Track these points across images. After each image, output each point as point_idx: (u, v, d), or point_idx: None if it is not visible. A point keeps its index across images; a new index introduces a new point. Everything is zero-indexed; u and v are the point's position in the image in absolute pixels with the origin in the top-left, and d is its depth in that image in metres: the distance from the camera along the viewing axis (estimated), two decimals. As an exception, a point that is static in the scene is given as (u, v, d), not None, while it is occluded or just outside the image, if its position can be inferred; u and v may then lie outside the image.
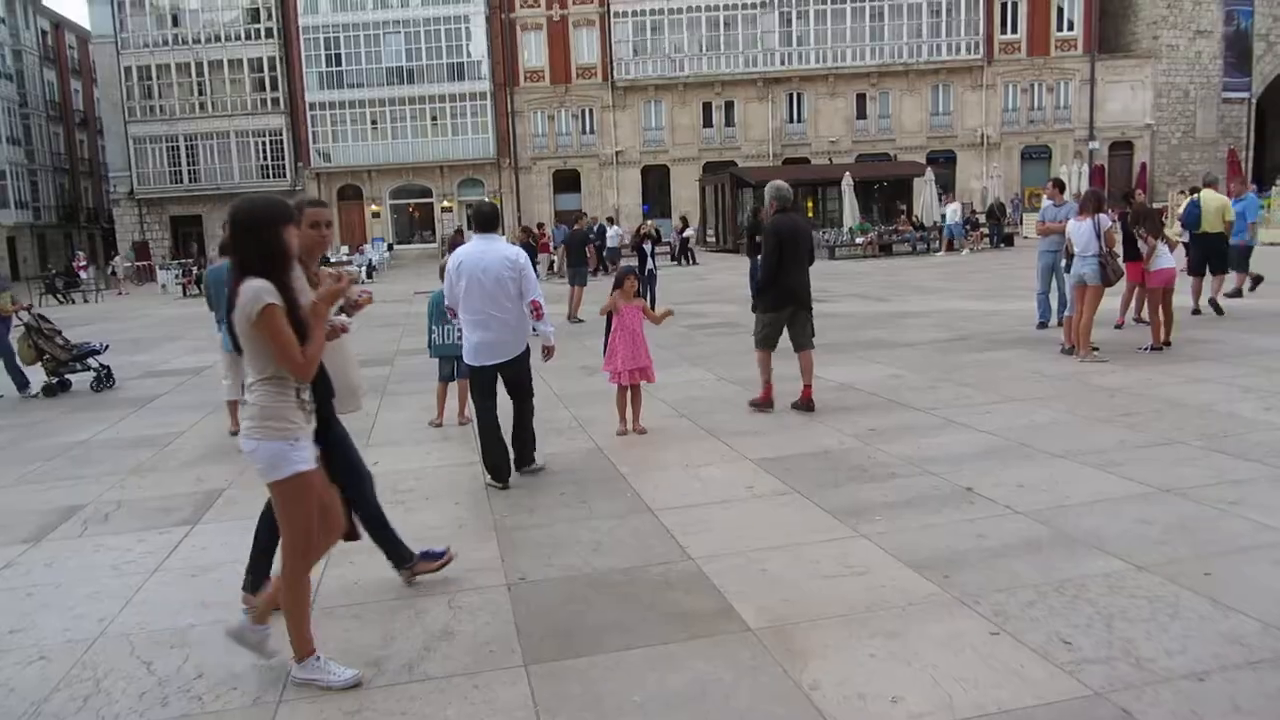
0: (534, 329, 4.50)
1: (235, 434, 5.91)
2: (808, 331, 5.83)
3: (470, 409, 5.80)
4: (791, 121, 34.09)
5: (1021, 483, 4.11)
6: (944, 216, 23.78)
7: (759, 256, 11.08)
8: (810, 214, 31.91)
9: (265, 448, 2.61)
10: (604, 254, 21.19)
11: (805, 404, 5.70)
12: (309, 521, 2.66)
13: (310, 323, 2.63)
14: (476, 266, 4.49)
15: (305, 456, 2.63)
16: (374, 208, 35.38)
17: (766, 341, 5.81)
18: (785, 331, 5.68)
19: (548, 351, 4.58)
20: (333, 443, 2.83)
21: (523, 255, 4.53)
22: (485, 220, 4.59)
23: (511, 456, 4.56)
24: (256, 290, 2.54)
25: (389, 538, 3.40)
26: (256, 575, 3.17)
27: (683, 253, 24.80)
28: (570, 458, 5.01)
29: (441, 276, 4.70)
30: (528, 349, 4.59)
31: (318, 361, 2.62)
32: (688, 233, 25.34)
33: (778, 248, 5.70)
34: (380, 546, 3.41)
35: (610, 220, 14.38)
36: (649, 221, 19.43)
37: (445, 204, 35.88)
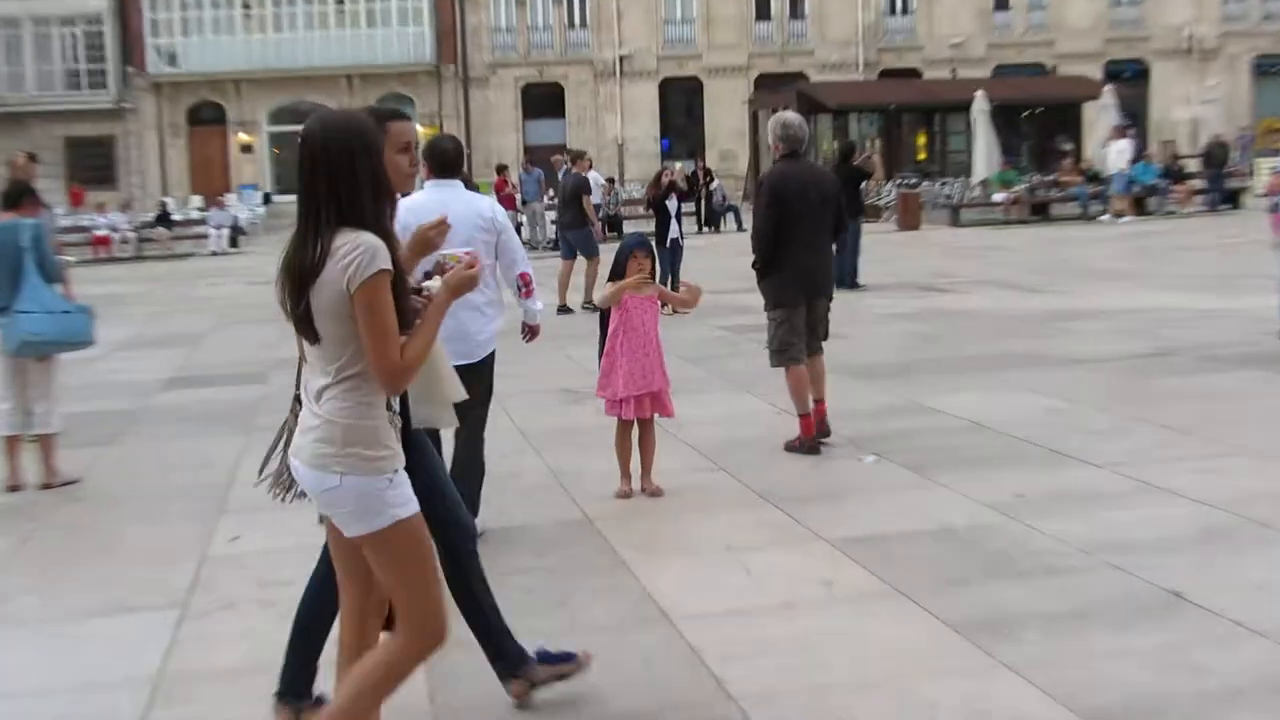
0: (523, 309, 5.02)
1: (14, 489, 6.16)
2: (821, 330, 6.51)
3: None
4: (893, 13, 33.94)
5: (1262, 584, 4.08)
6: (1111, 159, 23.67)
7: (849, 224, 11.22)
8: (921, 156, 32.27)
9: (353, 486, 2.56)
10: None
11: (818, 432, 6.31)
12: (429, 584, 2.65)
13: (418, 312, 2.63)
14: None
15: (408, 495, 2.62)
16: (243, 138, 35.58)
17: (788, 352, 6.35)
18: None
19: (532, 332, 5.14)
20: (413, 471, 2.71)
21: (500, 210, 4.82)
22: (446, 161, 4.75)
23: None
24: (374, 248, 2.50)
25: (491, 625, 3.28)
26: (297, 684, 3.16)
27: (706, 212, 25.27)
28: (541, 532, 5.16)
29: None
30: (492, 356, 4.85)
31: (418, 370, 2.60)
32: (716, 183, 25.75)
33: (777, 212, 6.18)
34: (478, 638, 3.29)
35: (573, 159, 13.98)
36: (677, 165, 19.40)
37: (355, 134, 36.23)
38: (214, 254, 24.66)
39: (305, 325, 2.60)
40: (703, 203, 25.70)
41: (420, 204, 4.83)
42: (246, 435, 7.32)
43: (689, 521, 5.17)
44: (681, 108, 35.55)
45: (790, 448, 6.31)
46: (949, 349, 9.64)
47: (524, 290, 4.95)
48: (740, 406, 7.66)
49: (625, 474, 5.63)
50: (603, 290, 5.58)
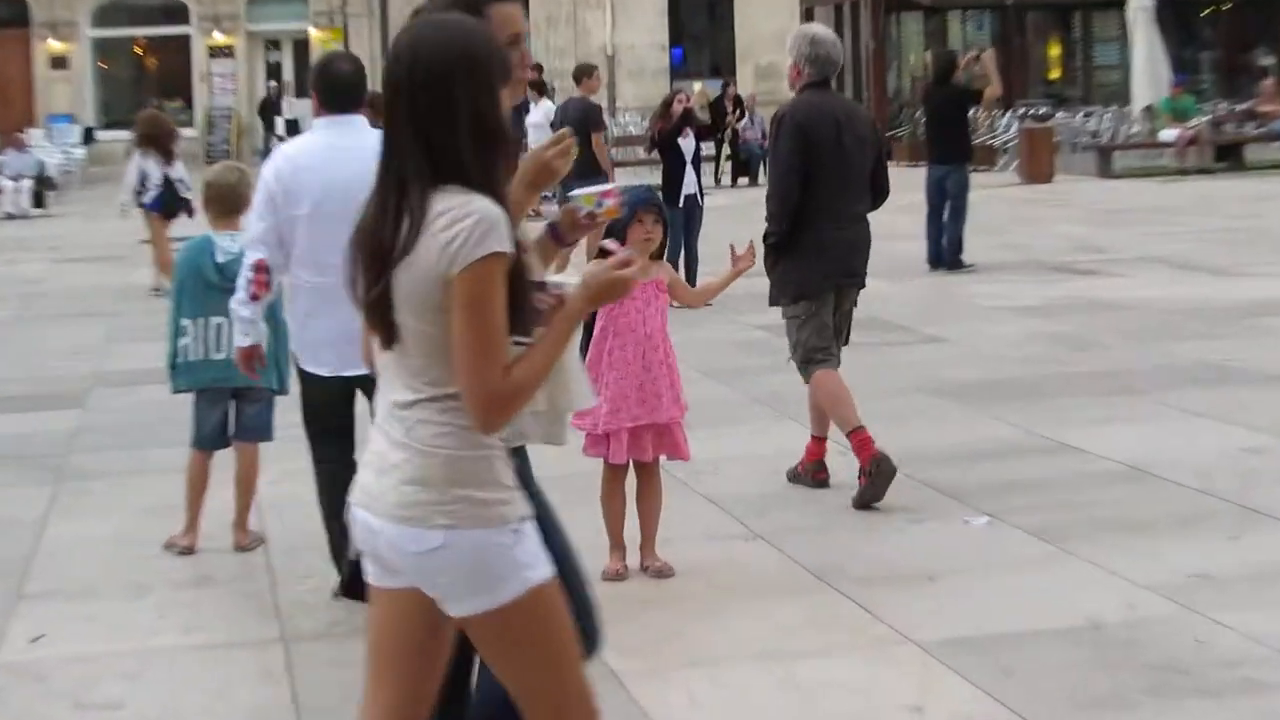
0: None
1: None
2: (845, 332, 6.95)
3: (263, 499, 6.41)
4: None
5: None
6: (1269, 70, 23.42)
7: (951, 167, 11.60)
8: (1054, 76, 32.19)
9: (467, 543, 2.62)
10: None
11: (813, 478, 6.81)
12: (574, 665, 2.76)
13: (540, 316, 2.69)
14: (326, 181, 4.97)
15: (538, 552, 2.69)
16: (54, 46, 35.97)
17: (815, 356, 6.74)
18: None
19: None
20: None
21: None
22: (342, 89, 5.06)
23: None
24: (490, 219, 2.58)
25: None
26: None
27: (736, 157, 25.68)
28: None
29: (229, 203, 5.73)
30: None
31: (526, 402, 2.67)
32: (752, 116, 25.96)
33: (801, 161, 6.57)
34: None
35: (579, 76, 13.84)
36: (695, 88, 19.17)
37: (219, 41, 36.52)
38: (9, 216, 24.71)
39: (379, 318, 2.64)
40: (728, 143, 25.97)
41: (310, 151, 5.13)
42: (55, 484, 7.34)
43: (710, 615, 5.20)
44: (701, 4, 35.66)
45: (795, 475, 6.84)
46: (1095, 359, 9.67)
47: None
48: (785, 442, 7.65)
49: (617, 544, 5.68)
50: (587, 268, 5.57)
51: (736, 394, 9.02)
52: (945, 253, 14.17)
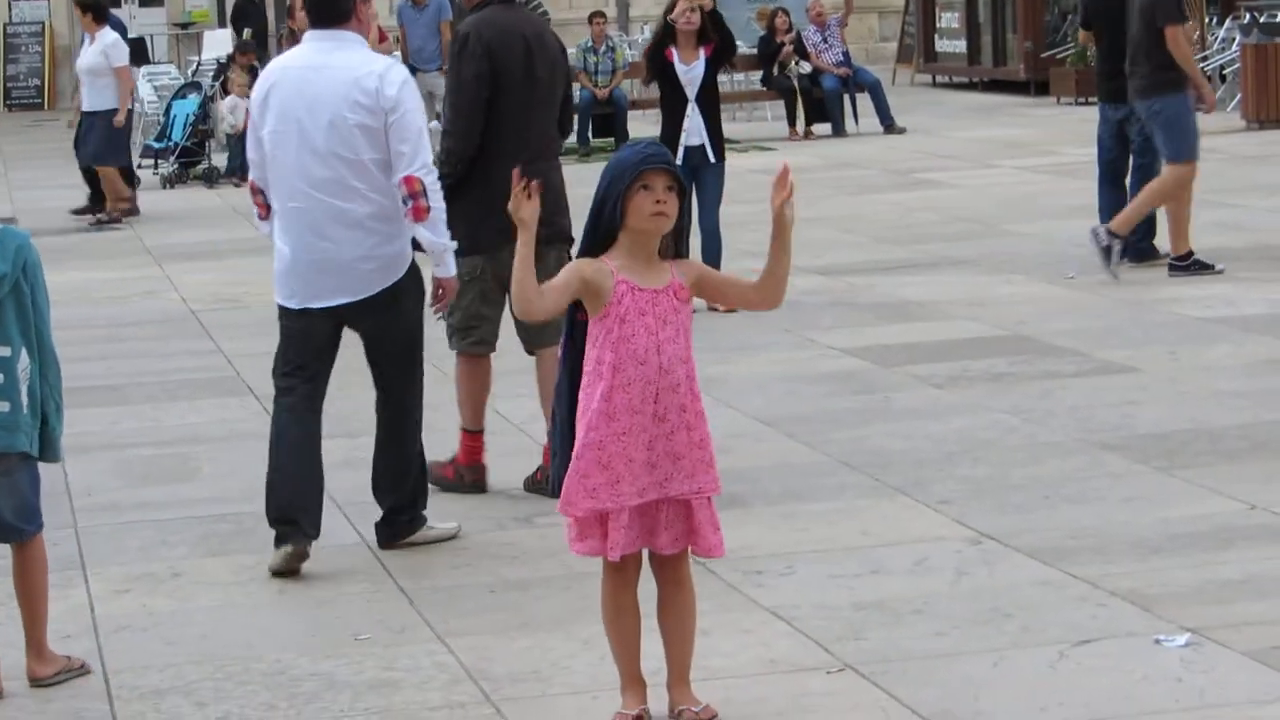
0: (424, 245, 7.28)
1: None
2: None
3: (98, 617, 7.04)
4: None
5: None
6: None
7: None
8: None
9: None
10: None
11: (540, 481, 8.12)
12: None
13: None
14: (298, 99, 7.28)
15: None
16: None
17: (476, 333, 8.31)
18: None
19: (440, 292, 7.49)
20: None
21: (397, 77, 7.28)
22: (327, 2, 7.33)
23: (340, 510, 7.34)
24: None
25: None
26: None
27: (806, 98, 26.26)
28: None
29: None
30: (406, 282, 7.41)
31: None
32: (829, 53, 26.13)
33: (489, 90, 8.15)
34: None
35: None
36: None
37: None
38: None
39: None
40: (788, 73, 26.24)
41: (287, 68, 7.39)
42: None
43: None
44: None
45: (439, 478, 8.26)
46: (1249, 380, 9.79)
47: (412, 207, 7.06)
48: (889, 524, 7.70)
49: (632, 680, 5.72)
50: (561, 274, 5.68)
51: (815, 454, 9.04)
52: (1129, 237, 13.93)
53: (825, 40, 26.25)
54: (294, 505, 7.32)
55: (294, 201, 7.27)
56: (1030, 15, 29.41)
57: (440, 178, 7.44)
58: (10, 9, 36.20)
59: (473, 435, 8.42)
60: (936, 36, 33.10)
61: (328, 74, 7.19)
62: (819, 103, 26.19)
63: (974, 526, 7.57)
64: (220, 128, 23.47)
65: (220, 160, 22.90)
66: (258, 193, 7.41)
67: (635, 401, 5.50)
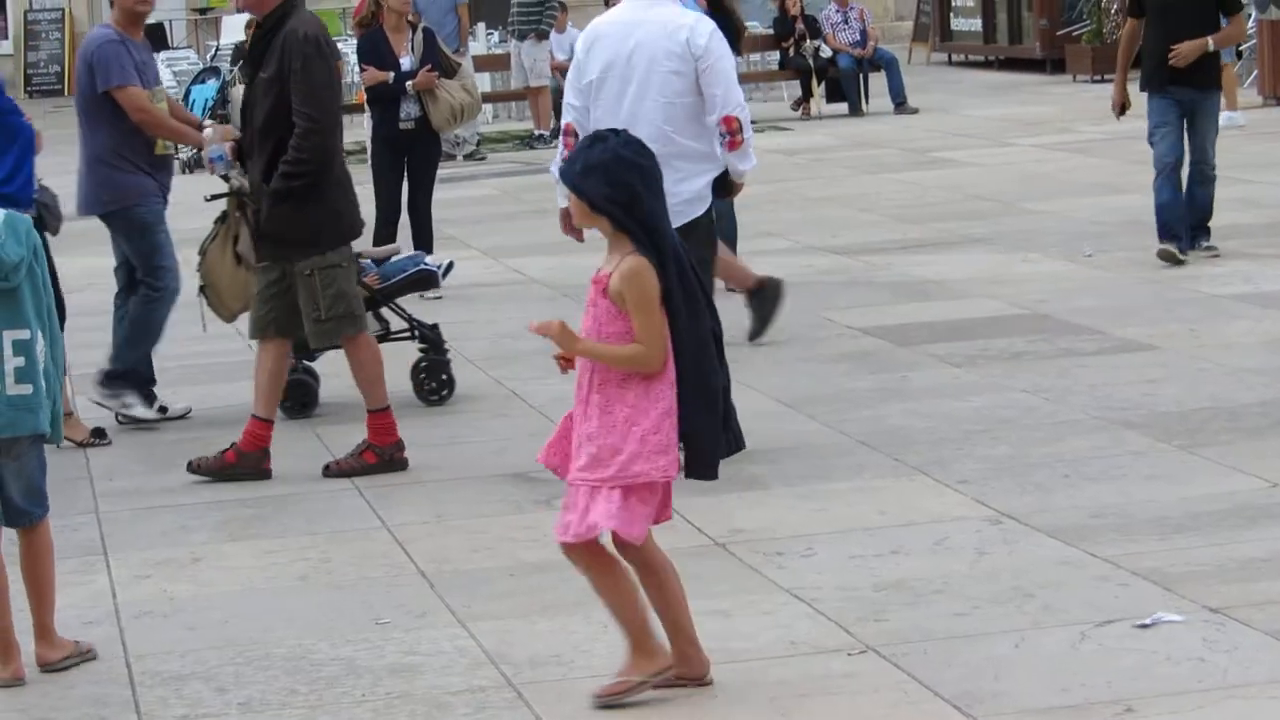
0: (731, 170, 8.54)
1: None
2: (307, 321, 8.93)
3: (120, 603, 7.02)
4: None
5: None
6: None
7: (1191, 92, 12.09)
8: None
9: None
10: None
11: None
12: None
13: None
14: (621, 50, 8.38)
15: None
16: None
17: (359, 312, 8.94)
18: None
19: (726, 190, 8.89)
20: None
21: (705, 29, 8.43)
22: None
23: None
24: None
25: None
26: None
27: (818, 72, 26.27)
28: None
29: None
30: (704, 219, 8.47)
31: None
32: (846, 32, 26.11)
33: (338, 88, 9.27)
34: None
35: None
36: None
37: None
38: None
39: None
40: (802, 49, 26.22)
41: (612, 23, 8.54)
42: None
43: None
44: None
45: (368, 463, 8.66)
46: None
47: (729, 141, 8.28)
48: (909, 504, 7.69)
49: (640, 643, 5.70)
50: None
51: (834, 434, 9.05)
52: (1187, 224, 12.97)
53: (845, 20, 26.21)
54: None
55: None
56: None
57: (303, 174, 8.37)
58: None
59: (382, 413, 8.72)
60: (952, 15, 33.09)
61: (645, 28, 8.31)
62: (834, 82, 26.20)
63: (994, 506, 7.56)
64: (238, 113, 23.42)
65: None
66: (571, 134, 8.38)
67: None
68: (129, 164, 9.86)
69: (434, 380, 10.27)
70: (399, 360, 9.83)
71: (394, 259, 10.76)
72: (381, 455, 8.63)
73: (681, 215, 7.69)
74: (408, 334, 10.57)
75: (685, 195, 8.11)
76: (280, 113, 8.37)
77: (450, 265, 11.09)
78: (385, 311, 10.43)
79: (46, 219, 9.48)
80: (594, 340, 5.70)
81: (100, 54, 9.70)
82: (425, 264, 10.80)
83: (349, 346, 8.79)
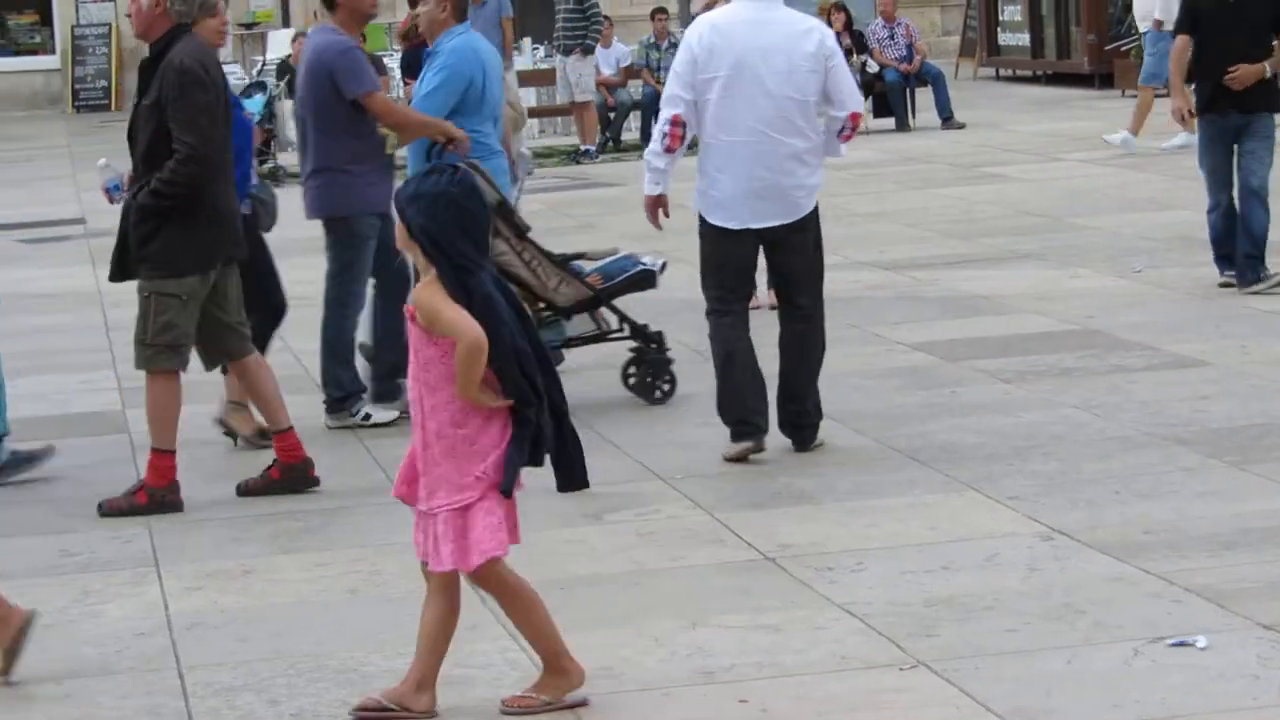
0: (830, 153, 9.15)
1: None
2: (240, 312, 9.12)
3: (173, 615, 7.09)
4: None
5: None
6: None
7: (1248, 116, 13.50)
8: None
9: None
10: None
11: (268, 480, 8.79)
12: None
13: None
14: (754, 47, 8.74)
15: None
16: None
17: (182, 344, 8.62)
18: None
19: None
20: None
21: (829, 32, 9.13)
22: None
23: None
24: None
25: None
26: None
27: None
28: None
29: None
30: (815, 212, 8.95)
31: None
32: (892, 48, 26.24)
33: (217, 117, 8.88)
34: None
35: None
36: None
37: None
38: None
39: None
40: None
41: (731, 22, 8.86)
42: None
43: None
44: None
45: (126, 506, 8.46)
46: None
47: (848, 133, 8.92)
48: (959, 519, 7.69)
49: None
50: None
51: (884, 450, 9.06)
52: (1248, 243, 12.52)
53: (892, 36, 26.28)
54: (750, 409, 8.71)
55: (743, 136, 8.69)
56: (1093, 7, 29.37)
57: (170, 195, 8.32)
58: (78, 10, 36.34)
59: (166, 455, 8.56)
60: (999, 30, 33.05)
61: (775, 28, 8.72)
62: (881, 97, 26.24)
63: (1045, 522, 7.56)
64: (285, 128, 23.51)
65: (285, 159, 22.94)
66: (679, 125, 8.70)
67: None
68: (367, 171, 9.93)
69: (658, 378, 10.43)
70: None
71: (613, 259, 10.86)
72: (154, 499, 8.51)
73: (809, 203, 8.74)
74: (621, 334, 10.73)
75: (815, 183, 8.81)
76: (160, 140, 8.35)
77: (665, 264, 10.99)
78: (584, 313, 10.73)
79: (260, 215, 9.71)
80: (417, 371, 5.90)
81: (344, 61, 9.78)
82: (644, 263, 10.85)
83: (236, 369, 8.92)
